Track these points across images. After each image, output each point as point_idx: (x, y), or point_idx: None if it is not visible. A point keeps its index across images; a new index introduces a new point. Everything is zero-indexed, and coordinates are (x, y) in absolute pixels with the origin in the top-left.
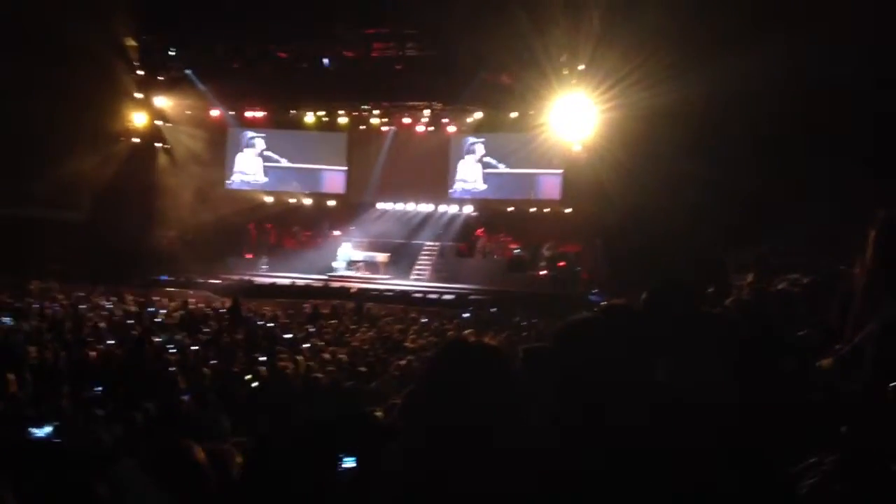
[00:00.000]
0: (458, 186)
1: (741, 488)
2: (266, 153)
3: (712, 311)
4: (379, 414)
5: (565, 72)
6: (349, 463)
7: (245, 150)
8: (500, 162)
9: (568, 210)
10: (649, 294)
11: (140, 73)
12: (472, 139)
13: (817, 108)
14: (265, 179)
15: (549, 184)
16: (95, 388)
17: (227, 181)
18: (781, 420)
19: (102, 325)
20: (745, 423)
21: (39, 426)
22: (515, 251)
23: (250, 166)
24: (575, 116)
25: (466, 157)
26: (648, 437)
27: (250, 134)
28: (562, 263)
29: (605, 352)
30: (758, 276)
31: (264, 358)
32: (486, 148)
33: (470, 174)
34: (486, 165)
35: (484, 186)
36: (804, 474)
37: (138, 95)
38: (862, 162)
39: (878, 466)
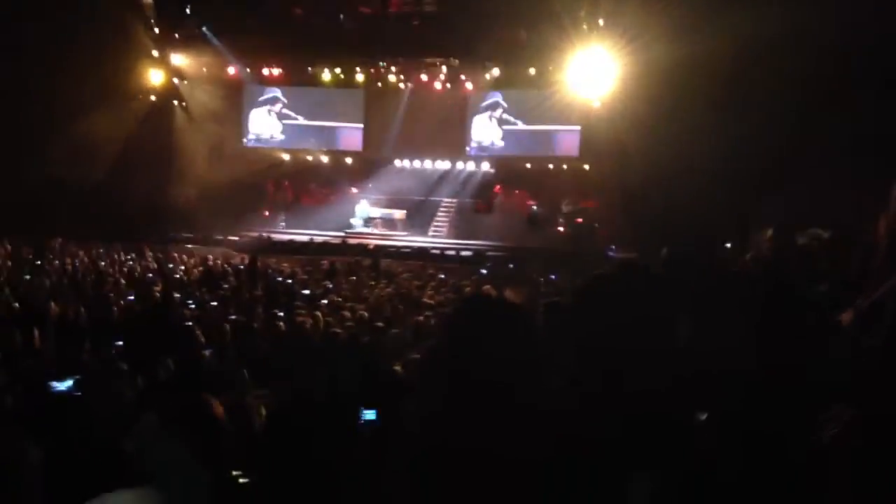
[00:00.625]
0: (474, 143)
1: (762, 448)
2: (283, 111)
3: (732, 268)
4: (398, 368)
5: (584, 26)
6: (370, 415)
7: (262, 107)
8: (517, 118)
9: (586, 166)
10: (669, 250)
11: (156, 30)
12: (489, 96)
13: (842, 62)
14: (282, 137)
15: (568, 140)
16: (116, 343)
17: (245, 139)
18: (803, 377)
19: (123, 281)
20: (767, 383)
21: (60, 380)
22: (533, 207)
23: (267, 124)
24: (594, 72)
25: (483, 114)
26: (668, 404)
27: (267, 91)
28: (579, 220)
29: (625, 310)
30: (777, 231)
31: (283, 314)
32: (503, 104)
33: (486, 131)
34: (503, 122)
35: (501, 144)
36: (826, 425)
37: (155, 53)
38: (888, 119)
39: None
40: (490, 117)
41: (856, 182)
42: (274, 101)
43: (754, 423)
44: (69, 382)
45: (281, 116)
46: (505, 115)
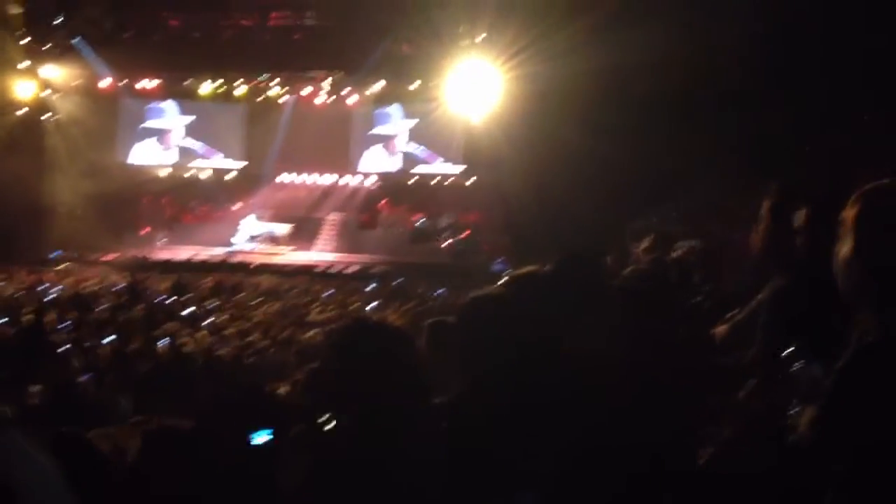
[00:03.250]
0: (363, 168)
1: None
2: (177, 125)
3: (613, 281)
4: (283, 390)
5: (465, 42)
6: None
7: (150, 138)
8: (409, 138)
9: (469, 181)
10: (555, 266)
11: (25, 41)
12: (380, 118)
13: (708, 82)
14: (175, 151)
15: (452, 154)
16: None
17: (121, 155)
18: (680, 387)
19: None
20: (644, 392)
21: None
22: (418, 222)
23: (155, 154)
24: (475, 87)
25: (376, 145)
26: (551, 414)
27: (151, 115)
28: (465, 234)
29: (509, 327)
30: (653, 243)
31: (163, 335)
32: (401, 131)
33: (379, 162)
34: (402, 152)
35: (389, 167)
36: (703, 444)
37: (24, 64)
38: (749, 130)
39: (773, 434)
40: (380, 149)
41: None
42: (162, 134)
43: (624, 438)
44: None
45: (168, 145)
46: (407, 146)
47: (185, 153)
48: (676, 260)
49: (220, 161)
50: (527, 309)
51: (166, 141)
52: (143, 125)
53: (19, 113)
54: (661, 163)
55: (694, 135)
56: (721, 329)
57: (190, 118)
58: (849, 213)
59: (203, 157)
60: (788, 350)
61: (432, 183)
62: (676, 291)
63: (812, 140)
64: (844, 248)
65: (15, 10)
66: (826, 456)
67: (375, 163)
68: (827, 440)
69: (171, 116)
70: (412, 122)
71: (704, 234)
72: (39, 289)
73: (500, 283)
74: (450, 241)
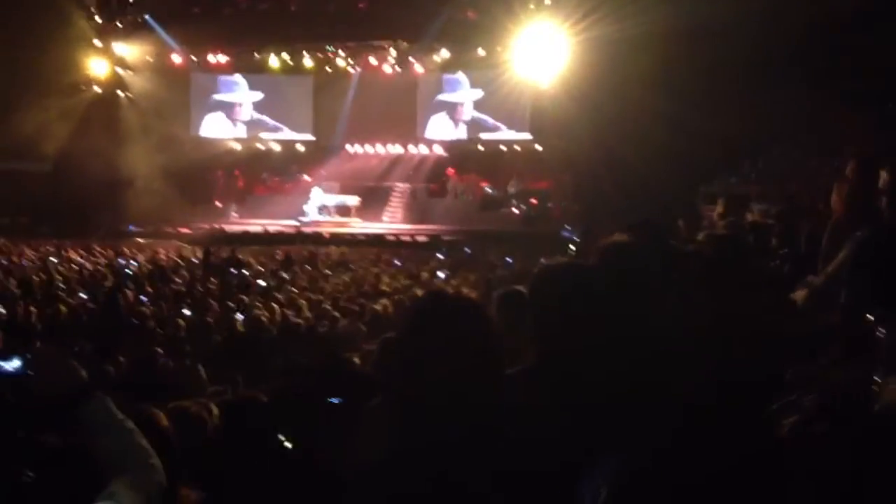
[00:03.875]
0: (428, 135)
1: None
2: (239, 112)
3: (687, 247)
4: (356, 360)
5: (531, 6)
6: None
7: (216, 112)
8: (474, 107)
9: (538, 147)
10: (629, 233)
11: (98, 19)
12: (446, 86)
13: (788, 42)
14: (242, 126)
15: (520, 121)
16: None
17: (193, 128)
18: (761, 356)
19: (73, 278)
20: (725, 361)
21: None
22: (487, 190)
23: (223, 127)
24: (542, 52)
25: (439, 113)
26: (630, 390)
27: (223, 88)
28: (534, 201)
29: (575, 303)
30: (726, 206)
31: (239, 307)
32: (463, 101)
33: (442, 129)
34: (465, 121)
35: (455, 135)
36: (783, 412)
37: (98, 43)
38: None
39: (857, 404)
40: (444, 117)
41: (803, 158)
42: (231, 107)
43: (710, 409)
44: (16, 362)
45: (237, 119)
46: (471, 114)
47: (255, 126)
48: (753, 223)
49: (289, 133)
50: (610, 280)
51: (235, 114)
52: (212, 99)
53: (95, 90)
54: (735, 125)
55: (769, 96)
56: (800, 293)
57: (258, 92)
58: None
59: (272, 129)
60: (873, 314)
61: (502, 149)
62: (754, 255)
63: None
64: None
65: None
66: None
67: (441, 131)
68: None
69: (239, 90)
70: (478, 90)
71: (781, 196)
72: (118, 263)
73: (572, 251)
74: (520, 207)
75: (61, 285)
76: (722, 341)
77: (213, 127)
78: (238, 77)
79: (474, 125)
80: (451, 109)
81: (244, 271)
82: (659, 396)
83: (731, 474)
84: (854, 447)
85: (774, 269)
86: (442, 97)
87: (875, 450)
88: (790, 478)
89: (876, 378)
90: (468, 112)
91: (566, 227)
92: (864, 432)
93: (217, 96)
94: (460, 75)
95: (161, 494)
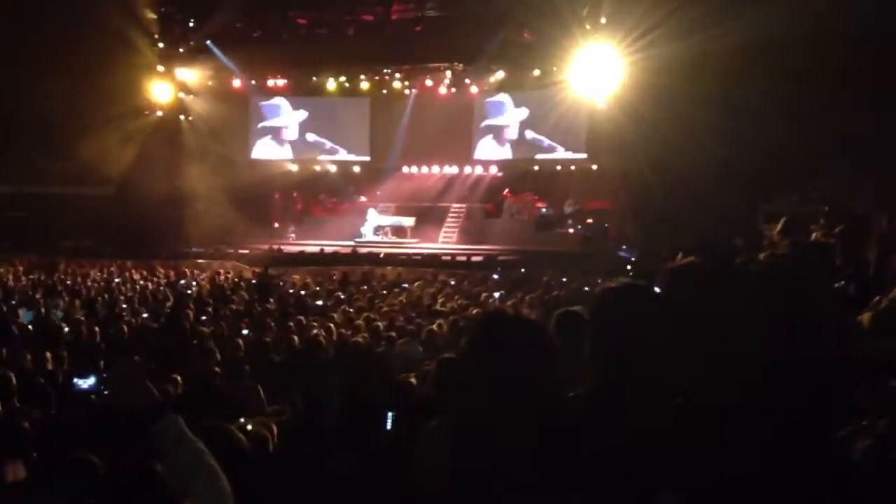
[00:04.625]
0: (479, 156)
1: (788, 453)
2: (287, 134)
3: (749, 267)
4: (413, 381)
5: (587, 26)
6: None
7: (265, 137)
8: (526, 127)
9: (594, 166)
10: (690, 253)
11: (161, 45)
12: (495, 109)
13: (842, 60)
14: (289, 148)
15: (575, 141)
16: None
17: (252, 151)
18: (829, 378)
19: (135, 298)
20: (793, 383)
21: (83, 377)
22: (542, 210)
23: (274, 150)
24: (598, 71)
25: (486, 136)
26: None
27: (269, 115)
28: (590, 220)
29: (640, 326)
30: (786, 225)
31: (296, 326)
32: (511, 122)
33: (492, 150)
34: (512, 140)
35: (501, 156)
36: (855, 438)
37: (160, 68)
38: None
39: None
40: (493, 139)
41: (865, 175)
42: (277, 130)
43: (779, 435)
44: (92, 379)
45: (284, 141)
46: (518, 134)
47: (311, 148)
48: (815, 242)
49: (345, 155)
50: (678, 303)
51: (280, 137)
52: (267, 122)
53: (157, 114)
54: (796, 143)
55: (830, 112)
56: (867, 315)
57: (303, 114)
58: None
59: (329, 151)
60: None
61: (558, 168)
62: (818, 276)
63: None
64: None
65: (150, 15)
66: None
67: (489, 152)
68: None
69: (284, 113)
70: (523, 109)
71: (844, 215)
72: (179, 283)
73: (630, 271)
74: (576, 227)
75: (124, 305)
76: (789, 366)
77: (264, 151)
78: (280, 100)
79: (528, 145)
80: (497, 132)
81: (306, 289)
82: (725, 426)
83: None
84: None
85: (839, 289)
86: (488, 122)
87: None
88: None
89: None
90: (514, 132)
91: (623, 247)
92: None
93: (272, 119)
94: (503, 97)
95: None
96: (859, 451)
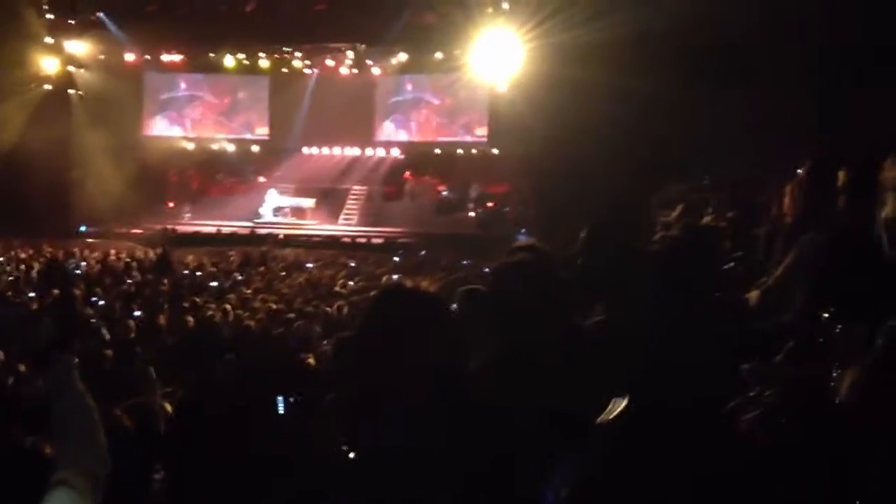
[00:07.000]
0: (383, 138)
1: (680, 421)
2: (186, 112)
3: (646, 247)
4: (311, 361)
5: (490, 10)
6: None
7: (163, 113)
8: (428, 110)
9: (495, 151)
10: (589, 231)
11: (50, 16)
12: (398, 91)
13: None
14: (185, 125)
15: (476, 125)
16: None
17: (146, 128)
18: (717, 353)
19: (21, 278)
20: (683, 356)
21: None
22: (443, 193)
23: (170, 128)
24: (499, 56)
25: (389, 119)
26: (584, 374)
27: (167, 91)
28: (490, 204)
29: (538, 293)
30: (683, 212)
31: (190, 307)
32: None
33: (396, 131)
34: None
35: (409, 138)
36: (744, 408)
37: (48, 40)
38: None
39: (813, 397)
40: (405, 117)
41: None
42: (172, 107)
43: (669, 406)
44: None
45: (180, 118)
46: (429, 116)
47: (208, 125)
48: (707, 227)
49: (243, 133)
50: (558, 279)
51: (175, 114)
52: (163, 98)
53: (45, 88)
54: (691, 131)
55: (725, 103)
56: (753, 294)
57: (200, 91)
58: (890, 174)
59: (224, 129)
60: (828, 312)
61: (459, 152)
62: (708, 258)
63: (847, 105)
64: (888, 208)
65: None
66: (869, 418)
67: (390, 134)
68: (871, 402)
69: (179, 90)
70: (434, 93)
71: (735, 200)
72: (68, 263)
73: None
74: (476, 211)
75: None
76: (679, 340)
77: (164, 128)
78: (175, 76)
79: (430, 129)
80: (400, 114)
81: (201, 270)
82: (617, 394)
83: (694, 471)
84: (817, 437)
85: (728, 270)
86: (397, 100)
87: (837, 439)
88: (754, 471)
89: (833, 372)
90: (416, 115)
91: (522, 230)
92: (826, 423)
93: (166, 97)
94: (405, 78)
95: (106, 478)
96: (748, 420)
